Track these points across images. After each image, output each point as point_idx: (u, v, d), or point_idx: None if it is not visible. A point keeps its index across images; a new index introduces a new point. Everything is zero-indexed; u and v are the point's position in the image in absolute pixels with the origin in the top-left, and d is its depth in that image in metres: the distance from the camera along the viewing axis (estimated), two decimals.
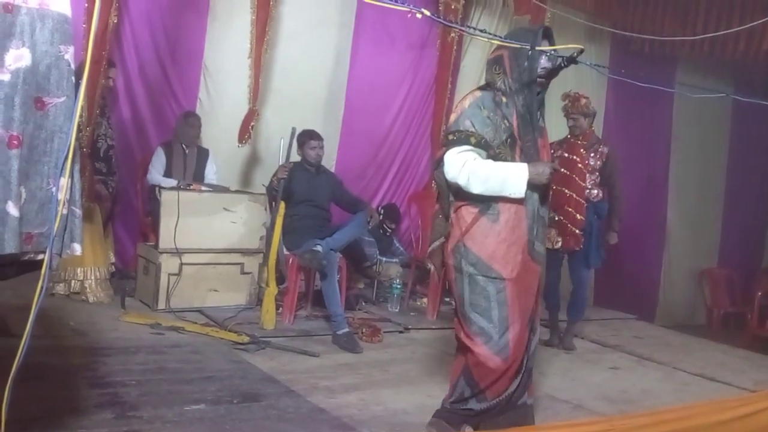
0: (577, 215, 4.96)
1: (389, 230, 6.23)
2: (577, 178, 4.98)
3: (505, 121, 2.95)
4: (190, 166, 5.48)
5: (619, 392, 4.25)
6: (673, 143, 8.56)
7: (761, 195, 9.50)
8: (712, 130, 8.87)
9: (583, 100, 5.10)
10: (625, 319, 6.83)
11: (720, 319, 8.27)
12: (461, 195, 2.98)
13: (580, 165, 5.00)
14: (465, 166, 2.88)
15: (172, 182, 5.27)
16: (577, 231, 4.98)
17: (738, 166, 9.14)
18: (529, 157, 2.97)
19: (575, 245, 5.02)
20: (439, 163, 3.05)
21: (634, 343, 5.66)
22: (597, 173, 5.13)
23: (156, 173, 5.34)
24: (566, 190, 4.95)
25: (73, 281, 4.87)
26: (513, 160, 2.94)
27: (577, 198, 4.96)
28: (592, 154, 5.10)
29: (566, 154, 5.05)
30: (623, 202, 5.38)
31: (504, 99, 2.98)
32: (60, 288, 4.86)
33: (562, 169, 4.92)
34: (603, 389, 4.27)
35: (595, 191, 5.13)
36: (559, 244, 5.04)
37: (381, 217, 6.06)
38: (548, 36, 3.03)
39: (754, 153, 9.22)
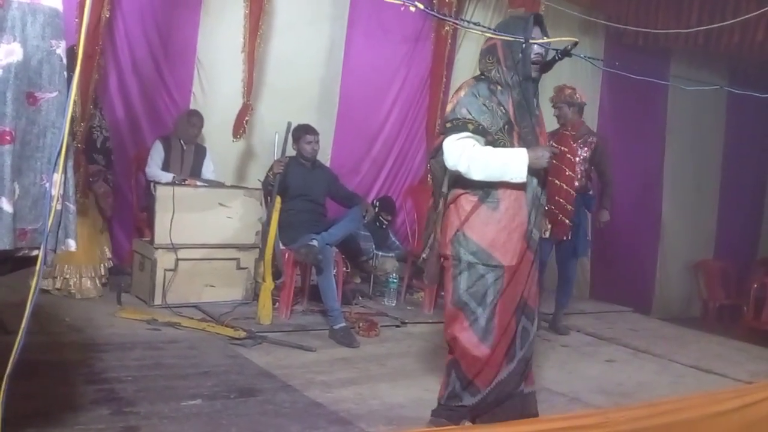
0: (567, 205, 5.01)
1: (385, 222, 6.22)
2: (566, 169, 5.02)
3: (501, 108, 2.97)
4: (187, 162, 5.46)
5: (615, 385, 4.26)
6: (667, 136, 8.57)
7: (756, 187, 9.52)
8: (707, 122, 8.89)
9: (568, 90, 5.18)
10: (620, 311, 6.84)
11: (715, 311, 8.30)
12: (460, 183, 2.99)
13: (569, 156, 5.05)
14: (464, 153, 2.89)
15: (170, 177, 5.24)
16: (566, 221, 5.02)
17: (733, 158, 9.15)
18: (527, 143, 2.98)
19: (564, 235, 5.07)
20: (437, 151, 3.06)
21: (630, 336, 5.67)
22: (586, 163, 5.19)
23: (155, 167, 5.30)
24: (556, 181, 5.00)
25: (59, 278, 4.83)
26: (511, 145, 2.95)
27: (567, 188, 5.02)
28: (582, 146, 5.15)
29: (555, 145, 5.08)
30: (614, 186, 5.48)
31: (499, 87, 3.00)
32: (47, 283, 4.77)
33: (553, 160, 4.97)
34: (599, 382, 4.28)
35: (585, 182, 5.18)
36: (548, 233, 5.08)
37: (377, 209, 6.06)
38: (539, 22, 3.04)
39: (749, 145, 9.23)
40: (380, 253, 6.07)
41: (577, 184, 5.12)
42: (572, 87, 5.26)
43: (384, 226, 6.23)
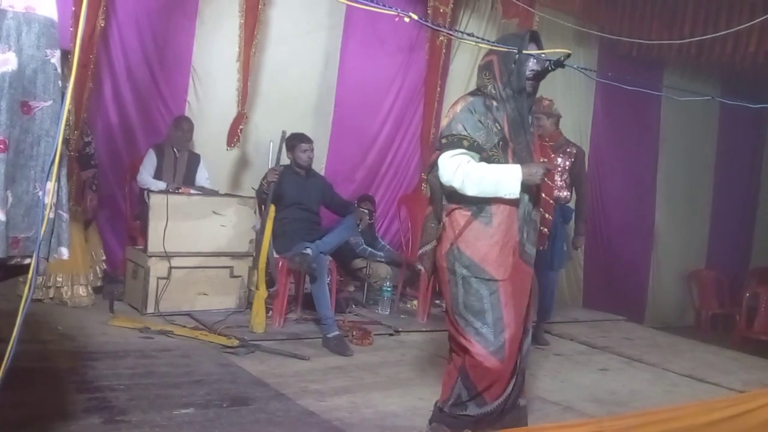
0: (546, 214, 5.04)
1: (366, 211, 6.14)
2: (546, 179, 5.06)
3: (497, 125, 2.98)
4: (180, 170, 5.46)
5: (609, 393, 4.27)
6: (660, 146, 8.62)
7: (748, 197, 9.57)
8: (700, 132, 8.94)
9: (546, 102, 5.23)
10: (614, 320, 6.85)
11: (708, 320, 8.32)
12: (454, 198, 3.00)
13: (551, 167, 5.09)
14: (459, 169, 2.90)
15: (162, 185, 5.25)
16: (545, 230, 5.04)
17: (726, 168, 9.20)
18: (521, 159, 3.00)
19: (541, 245, 5.08)
20: (432, 166, 3.08)
21: (624, 345, 5.69)
22: (567, 174, 5.22)
23: (147, 175, 5.30)
24: None
25: (52, 287, 4.79)
26: (506, 162, 2.97)
27: (546, 198, 5.05)
28: (561, 155, 5.19)
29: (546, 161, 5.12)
30: (592, 203, 5.45)
31: (495, 103, 3.01)
32: (40, 293, 4.73)
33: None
34: (592, 391, 4.28)
35: (564, 193, 5.21)
36: None
37: (356, 204, 6.05)
38: (535, 39, 3.07)
39: (742, 155, 9.30)
40: (369, 249, 6.07)
41: (556, 193, 5.15)
42: (550, 99, 5.30)
43: (369, 219, 6.16)
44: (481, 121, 2.96)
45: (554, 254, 5.19)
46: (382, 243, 6.42)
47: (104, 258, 5.21)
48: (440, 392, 3.18)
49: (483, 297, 2.95)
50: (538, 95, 5.22)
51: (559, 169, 5.17)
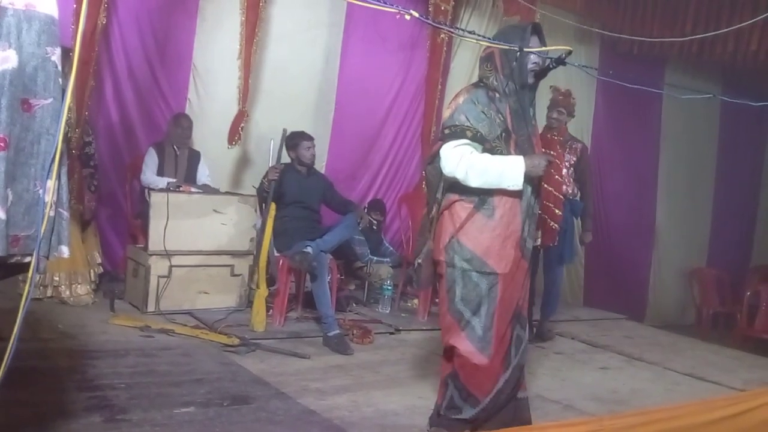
0: (556, 210, 5.04)
1: (375, 221, 6.16)
2: (554, 174, 5.06)
3: (499, 116, 2.98)
4: (181, 167, 5.45)
5: (609, 392, 4.26)
6: (662, 143, 8.60)
7: (750, 195, 9.55)
8: (701, 130, 8.92)
9: (572, 100, 5.22)
10: (615, 319, 6.85)
11: (709, 318, 8.30)
12: (455, 189, 2.99)
13: (556, 160, 5.09)
14: (462, 160, 2.90)
15: (168, 181, 5.24)
16: (554, 226, 5.04)
17: (727, 166, 9.19)
18: (523, 151, 2.99)
19: (551, 241, 5.08)
20: (434, 157, 3.07)
21: (624, 343, 5.68)
22: (572, 169, 5.23)
23: (150, 173, 5.28)
24: (545, 185, 5.03)
25: (49, 286, 4.77)
26: (508, 153, 2.96)
27: (556, 193, 5.06)
28: (567, 150, 5.21)
29: (543, 149, 5.11)
30: (594, 201, 5.49)
31: (497, 95, 3.01)
32: (38, 291, 4.70)
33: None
34: (593, 389, 4.28)
35: (572, 188, 5.22)
36: (539, 240, 5.10)
37: (366, 210, 6.06)
38: (537, 32, 3.06)
39: (743, 153, 9.27)
40: (375, 258, 6.07)
41: (564, 188, 5.15)
42: (575, 97, 5.31)
43: (375, 227, 6.18)
44: (484, 112, 2.95)
45: (564, 249, 5.21)
46: (386, 245, 6.40)
47: (100, 261, 5.15)
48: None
49: (481, 291, 2.95)
50: (566, 89, 5.26)
51: (567, 164, 5.19)
